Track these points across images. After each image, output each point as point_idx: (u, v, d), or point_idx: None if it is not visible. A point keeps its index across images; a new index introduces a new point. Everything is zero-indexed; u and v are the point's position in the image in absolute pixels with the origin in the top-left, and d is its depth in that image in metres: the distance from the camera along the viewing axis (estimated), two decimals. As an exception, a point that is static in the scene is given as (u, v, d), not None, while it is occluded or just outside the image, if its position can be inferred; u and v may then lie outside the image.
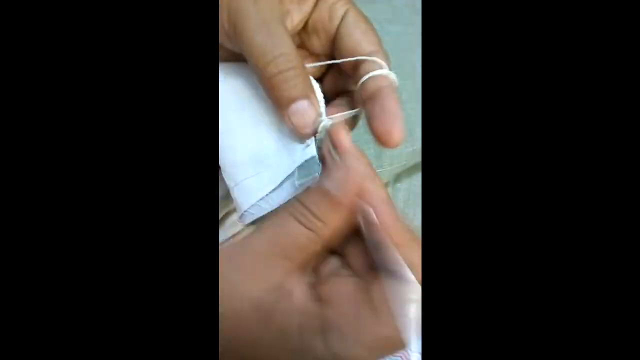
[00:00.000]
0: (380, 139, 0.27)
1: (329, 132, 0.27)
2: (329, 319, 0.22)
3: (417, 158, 0.47)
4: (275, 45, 0.25)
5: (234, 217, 0.44)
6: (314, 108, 0.26)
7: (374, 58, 0.28)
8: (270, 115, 0.29)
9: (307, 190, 0.24)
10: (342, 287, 0.23)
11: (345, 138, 0.26)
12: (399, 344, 0.22)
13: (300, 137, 0.27)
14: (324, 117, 0.28)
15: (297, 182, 0.28)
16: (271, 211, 0.29)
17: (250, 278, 0.23)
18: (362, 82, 0.28)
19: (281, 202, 0.29)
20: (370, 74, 0.28)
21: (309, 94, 0.26)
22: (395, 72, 0.50)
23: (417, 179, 0.53)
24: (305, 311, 0.22)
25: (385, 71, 0.28)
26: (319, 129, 0.27)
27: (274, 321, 0.22)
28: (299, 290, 0.23)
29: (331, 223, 0.23)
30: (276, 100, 0.27)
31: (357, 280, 0.24)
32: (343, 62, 0.29)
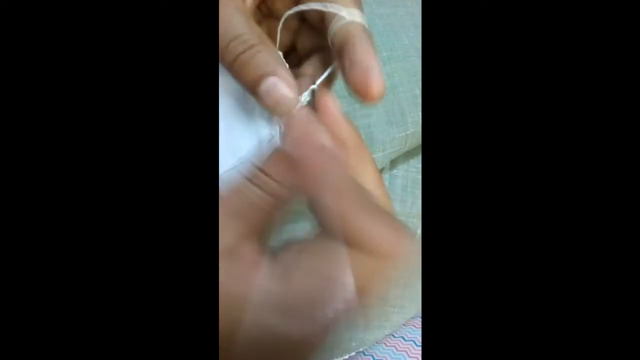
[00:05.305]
0: (358, 94, 0.25)
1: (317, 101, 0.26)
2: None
3: (410, 143, 0.46)
4: (226, 30, 0.24)
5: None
6: (284, 82, 0.24)
7: (338, 6, 0.26)
8: (240, 103, 0.28)
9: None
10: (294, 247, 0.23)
11: (332, 101, 0.26)
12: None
13: (281, 115, 0.26)
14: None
15: None
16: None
17: None
18: (333, 35, 0.26)
19: None
20: (338, 24, 0.25)
21: (275, 69, 0.25)
22: (386, 55, 0.49)
23: (414, 165, 0.52)
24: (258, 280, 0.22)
25: (350, 17, 0.26)
26: (302, 100, 0.26)
27: (222, 283, 0.22)
28: (249, 253, 0.22)
29: (284, 181, 0.23)
30: (244, 85, 0.26)
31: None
32: (304, 10, 0.26)
